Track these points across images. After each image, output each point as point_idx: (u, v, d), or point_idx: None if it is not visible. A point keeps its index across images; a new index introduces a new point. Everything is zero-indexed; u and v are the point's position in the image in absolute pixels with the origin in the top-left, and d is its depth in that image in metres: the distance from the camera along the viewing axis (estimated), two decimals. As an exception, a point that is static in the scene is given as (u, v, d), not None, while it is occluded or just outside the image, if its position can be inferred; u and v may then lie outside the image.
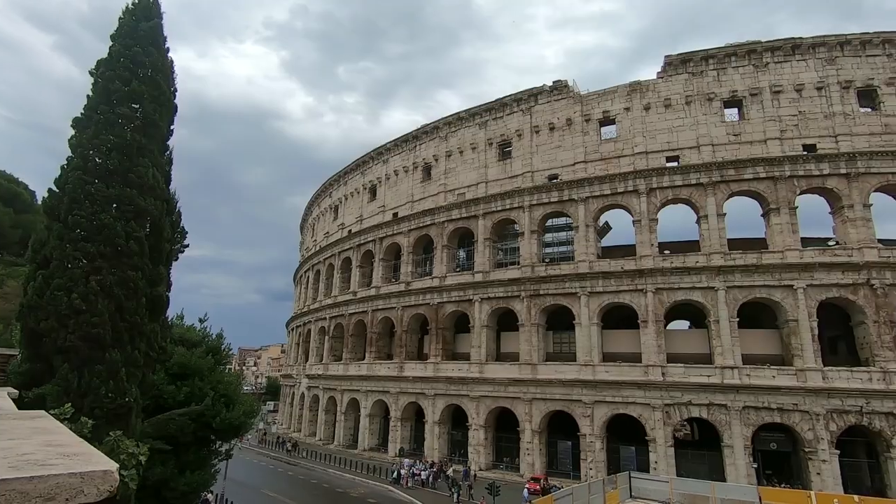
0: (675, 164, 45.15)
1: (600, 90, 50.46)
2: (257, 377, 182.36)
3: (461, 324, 53.86)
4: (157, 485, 19.58)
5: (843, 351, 41.75)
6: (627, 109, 48.06)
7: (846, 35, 43.57)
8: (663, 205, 45.11)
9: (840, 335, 41.94)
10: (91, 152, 16.28)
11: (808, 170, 41.33)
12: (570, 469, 43.92)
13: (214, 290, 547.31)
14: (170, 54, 18.57)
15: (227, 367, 29.03)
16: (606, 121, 49.33)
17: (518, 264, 50.22)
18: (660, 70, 48.10)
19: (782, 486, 36.26)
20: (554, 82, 52.74)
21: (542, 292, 47.50)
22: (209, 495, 29.54)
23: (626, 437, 42.71)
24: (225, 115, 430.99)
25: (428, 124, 62.28)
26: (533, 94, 53.71)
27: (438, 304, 53.86)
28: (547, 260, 50.49)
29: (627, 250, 46.86)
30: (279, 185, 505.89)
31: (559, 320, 48.36)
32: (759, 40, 45.34)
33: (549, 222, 51.86)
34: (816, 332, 38.35)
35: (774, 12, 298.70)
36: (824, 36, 43.87)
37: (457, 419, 51.67)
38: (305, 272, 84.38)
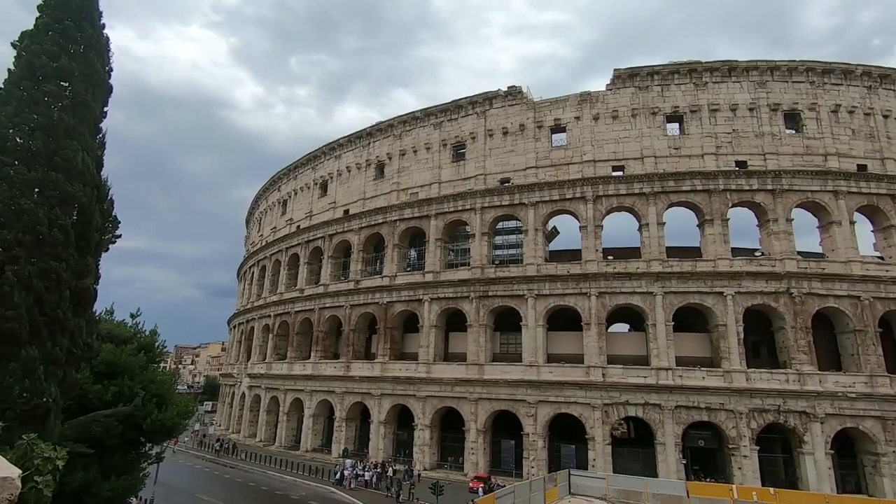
0: (620, 173, 47.12)
1: (552, 98, 51.89)
2: (195, 376, 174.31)
3: (410, 324, 53.73)
4: (78, 490, 18.23)
5: (765, 354, 45.01)
6: (578, 118, 49.68)
7: (776, 61, 47.09)
8: (608, 212, 46.96)
9: (762, 339, 45.20)
10: (11, 131, 14.91)
11: (739, 184, 44.30)
12: (512, 468, 44.75)
13: (150, 285, 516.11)
14: (106, 31, 17.35)
15: (161, 365, 27.50)
16: (557, 128, 50.79)
17: (468, 265, 50.72)
18: (609, 82, 50.05)
19: (708, 480, 38.69)
20: (509, 88, 53.68)
21: (490, 294, 48.22)
22: (134, 500, 27.88)
23: (566, 435, 44.06)
24: (167, 99, 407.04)
25: (382, 122, 61.75)
26: (488, 98, 54.45)
27: (388, 303, 53.48)
28: (497, 262, 51.32)
29: (573, 255, 48.41)
30: (225, 176, 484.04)
31: (506, 321, 49.26)
32: (700, 60, 48.14)
33: (499, 225, 52.73)
34: (742, 336, 41.20)
35: (713, 34, 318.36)
36: (757, 60, 47.19)
37: (403, 419, 51.47)
38: (250, 268, 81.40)
